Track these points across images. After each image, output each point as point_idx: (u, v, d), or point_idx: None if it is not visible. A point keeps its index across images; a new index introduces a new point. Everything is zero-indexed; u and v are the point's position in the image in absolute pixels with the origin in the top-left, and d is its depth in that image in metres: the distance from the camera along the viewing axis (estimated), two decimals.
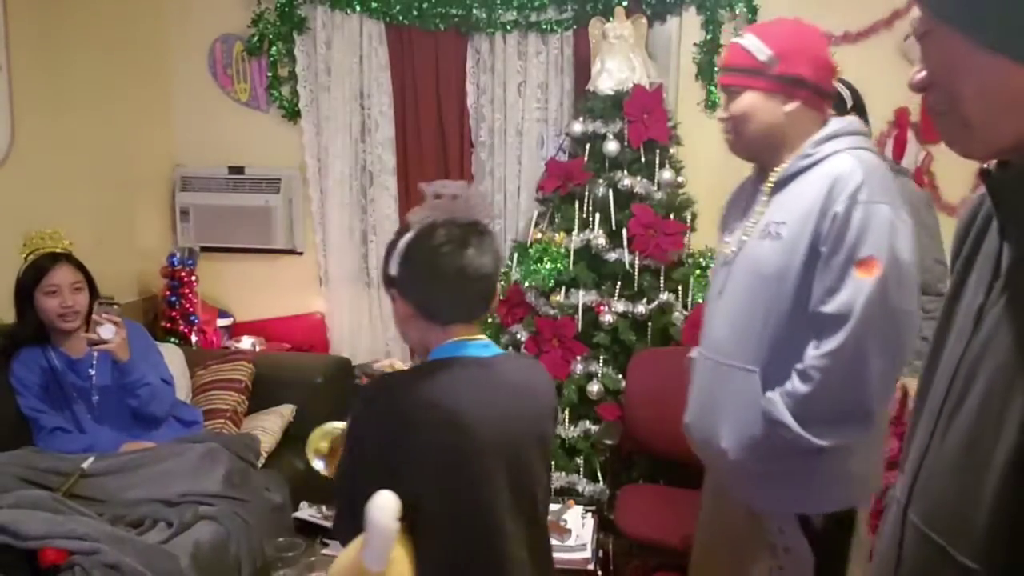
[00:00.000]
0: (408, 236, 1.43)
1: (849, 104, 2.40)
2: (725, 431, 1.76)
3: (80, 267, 2.63)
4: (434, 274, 1.41)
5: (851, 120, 1.79)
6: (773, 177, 1.76)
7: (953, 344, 0.95)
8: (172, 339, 3.41)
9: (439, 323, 1.44)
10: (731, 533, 1.85)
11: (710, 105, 3.47)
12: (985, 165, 0.94)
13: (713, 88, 3.46)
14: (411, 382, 1.39)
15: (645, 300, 3.11)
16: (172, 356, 3.01)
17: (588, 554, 2.19)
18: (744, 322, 1.73)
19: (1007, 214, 0.89)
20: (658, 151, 3.19)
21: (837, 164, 1.66)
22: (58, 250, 2.61)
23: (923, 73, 0.89)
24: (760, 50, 1.72)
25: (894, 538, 0.97)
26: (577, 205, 3.21)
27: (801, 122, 1.73)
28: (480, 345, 1.45)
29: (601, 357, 3.13)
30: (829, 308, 1.61)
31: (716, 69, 1.85)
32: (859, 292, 1.58)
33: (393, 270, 1.44)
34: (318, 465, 1.65)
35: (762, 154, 1.79)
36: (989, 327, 0.88)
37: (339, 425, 1.65)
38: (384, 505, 1.20)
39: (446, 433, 1.35)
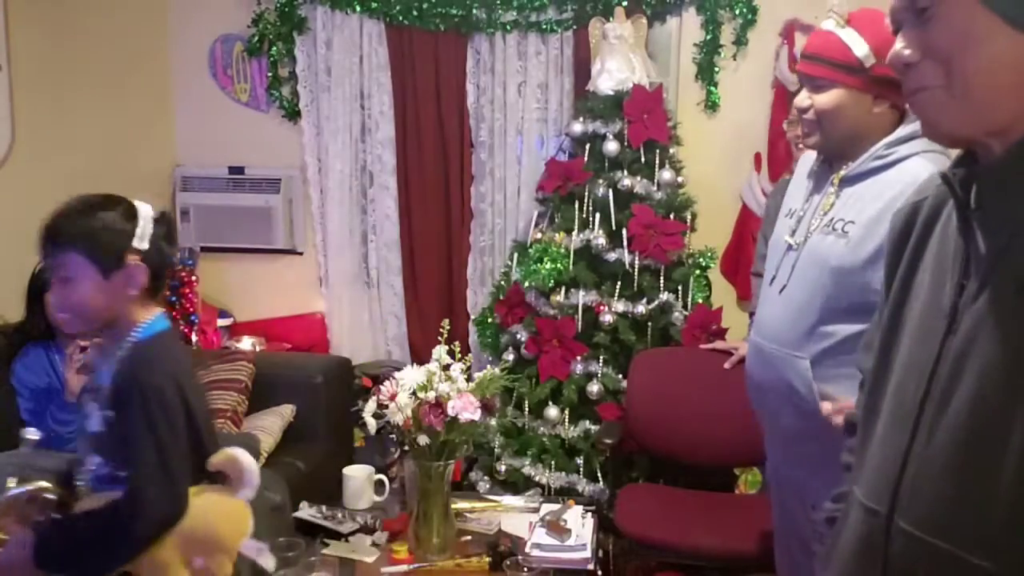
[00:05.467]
0: None
1: None
2: (770, 418, 1.82)
3: None
4: None
5: None
6: (843, 171, 1.72)
7: (917, 345, 0.94)
8: None
9: None
10: (790, 524, 1.86)
11: (710, 105, 3.47)
12: (946, 171, 0.93)
13: (713, 88, 3.46)
14: None
15: (645, 300, 3.11)
16: None
17: (588, 554, 2.19)
18: (801, 313, 1.72)
19: (985, 208, 0.88)
20: (658, 151, 3.18)
21: (914, 170, 1.60)
22: None
23: (908, 51, 0.89)
24: (859, 45, 1.62)
25: (874, 548, 0.94)
26: (577, 205, 3.20)
27: (885, 122, 1.68)
28: None
29: (601, 357, 3.12)
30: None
31: (801, 55, 1.76)
32: None
33: None
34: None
35: (838, 150, 1.73)
36: (970, 325, 0.86)
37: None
38: None
39: None
